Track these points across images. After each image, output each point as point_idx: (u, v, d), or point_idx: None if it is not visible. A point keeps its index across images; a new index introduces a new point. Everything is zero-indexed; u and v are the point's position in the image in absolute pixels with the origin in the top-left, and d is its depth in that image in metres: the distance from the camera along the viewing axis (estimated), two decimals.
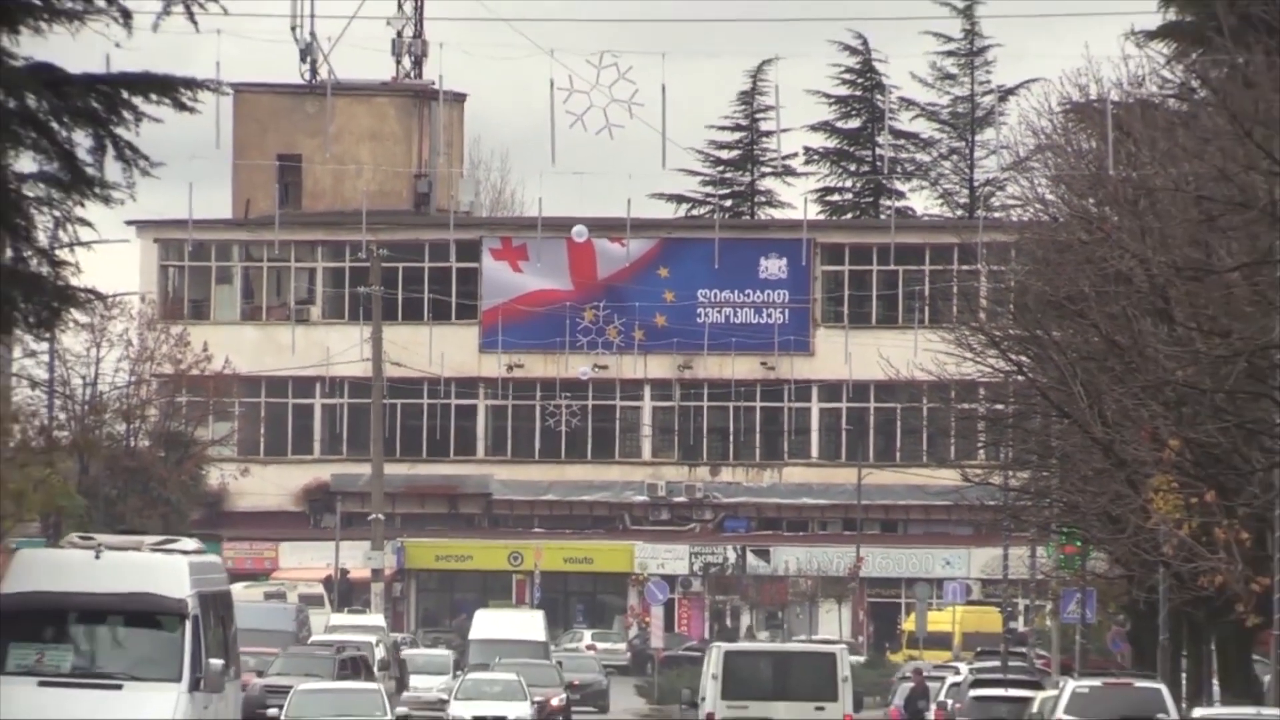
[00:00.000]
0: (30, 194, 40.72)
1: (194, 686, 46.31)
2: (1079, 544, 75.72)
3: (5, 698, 42.35)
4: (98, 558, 47.73)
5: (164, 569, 48.31)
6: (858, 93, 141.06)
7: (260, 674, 76.46)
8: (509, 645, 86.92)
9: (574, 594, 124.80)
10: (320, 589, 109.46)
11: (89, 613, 47.22)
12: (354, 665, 77.53)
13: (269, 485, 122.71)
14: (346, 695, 72.85)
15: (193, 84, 41.00)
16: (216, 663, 48.16)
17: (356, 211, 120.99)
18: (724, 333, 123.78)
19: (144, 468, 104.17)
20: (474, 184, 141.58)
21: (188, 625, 46.95)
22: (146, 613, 47.00)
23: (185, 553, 49.24)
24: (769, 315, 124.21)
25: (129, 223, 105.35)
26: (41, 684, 44.39)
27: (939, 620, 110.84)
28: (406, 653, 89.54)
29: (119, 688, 45.25)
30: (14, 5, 39.00)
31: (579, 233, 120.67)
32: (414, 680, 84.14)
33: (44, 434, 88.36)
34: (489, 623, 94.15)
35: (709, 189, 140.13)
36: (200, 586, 48.08)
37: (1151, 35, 70.76)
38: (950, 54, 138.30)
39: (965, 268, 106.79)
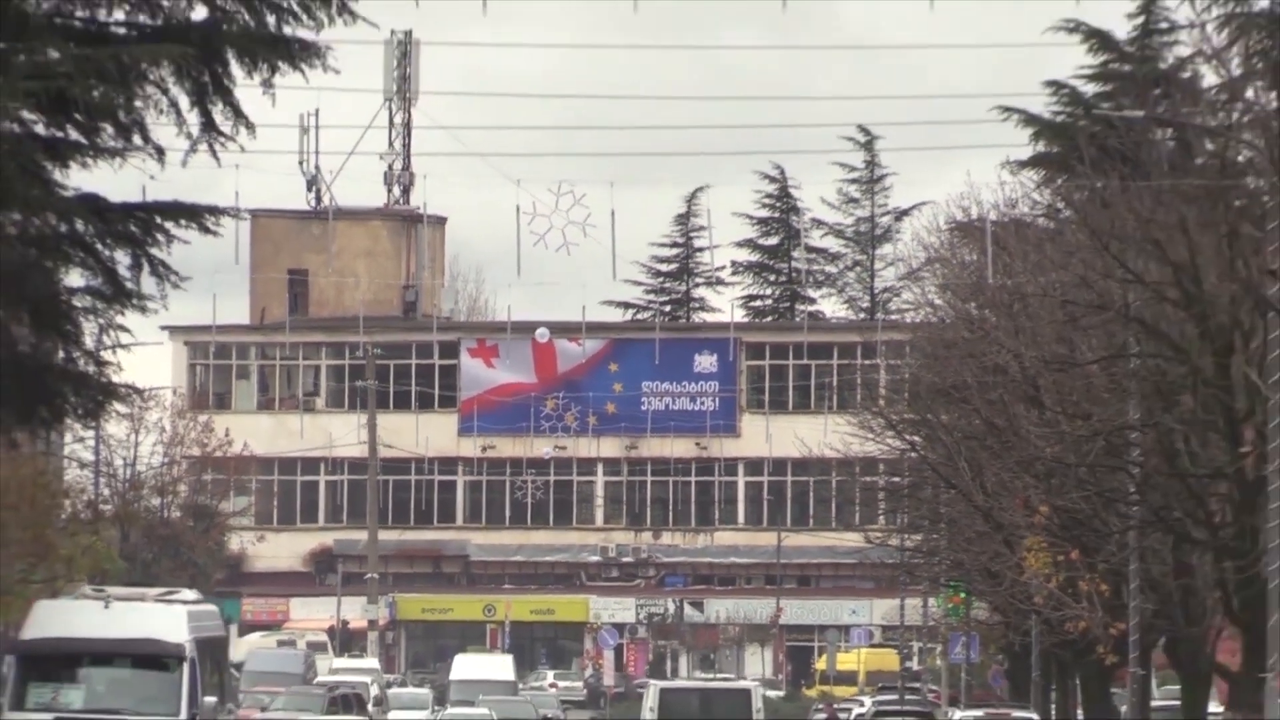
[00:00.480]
0: (78, 304, 40.84)
1: None
2: (964, 595, 75.45)
3: None
4: (106, 607, 47.23)
5: (165, 617, 47.63)
6: (776, 215, 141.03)
7: (264, 709, 75.81)
8: (484, 684, 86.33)
9: (538, 640, 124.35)
10: (325, 637, 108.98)
11: (98, 656, 46.51)
12: (344, 702, 76.29)
13: (281, 549, 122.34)
14: None
15: (215, 211, 41.61)
16: (210, 700, 47.26)
17: (354, 317, 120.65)
18: (664, 418, 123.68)
19: (175, 535, 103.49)
20: (453, 293, 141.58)
21: (185, 667, 46.10)
22: (149, 655, 46.25)
23: (185, 603, 48.59)
24: (702, 403, 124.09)
25: (162, 328, 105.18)
26: (56, 719, 44.01)
27: (846, 660, 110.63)
28: (392, 691, 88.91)
29: None
30: (65, 144, 39.24)
31: (541, 334, 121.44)
32: (398, 714, 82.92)
33: (90, 507, 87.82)
34: (467, 665, 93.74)
35: (651, 296, 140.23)
36: (197, 633, 47.21)
37: (1024, 164, 70.76)
38: (854, 181, 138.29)
39: (867, 362, 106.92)
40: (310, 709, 75.61)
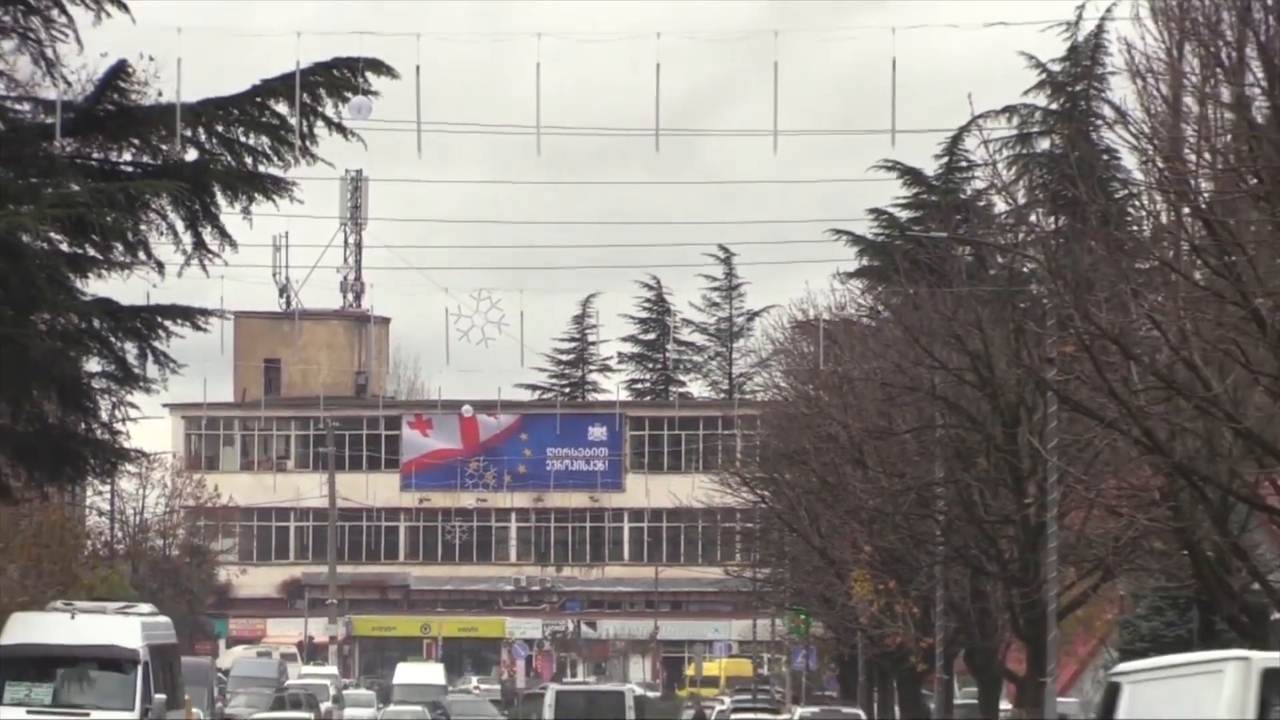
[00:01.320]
0: (96, 386, 40.91)
1: (143, 716, 43.52)
2: (804, 616, 74.29)
3: None
4: (73, 619, 44.86)
5: (122, 627, 45.21)
6: (654, 315, 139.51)
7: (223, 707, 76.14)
8: (420, 688, 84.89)
9: (465, 651, 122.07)
10: (295, 650, 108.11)
11: (64, 659, 44.00)
12: (293, 700, 75.13)
13: (260, 580, 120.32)
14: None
15: (205, 312, 41.77)
16: (160, 697, 44.90)
17: (317, 397, 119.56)
18: (565, 476, 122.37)
19: (175, 569, 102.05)
20: (396, 378, 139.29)
21: (139, 669, 43.68)
22: (108, 659, 43.88)
23: (140, 615, 46.23)
24: (595, 464, 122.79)
25: (164, 405, 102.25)
26: (29, 713, 41.87)
27: (711, 668, 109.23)
28: (347, 692, 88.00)
29: (87, 716, 42.67)
30: (84, 259, 39.17)
31: (466, 410, 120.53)
32: (351, 711, 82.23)
33: (107, 546, 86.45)
34: (407, 672, 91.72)
35: (554, 380, 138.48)
36: (150, 640, 44.97)
37: (851, 275, 69.93)
38: (716, 289, 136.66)
39: (726, 432, 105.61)
40: (259, 706, 74.91)
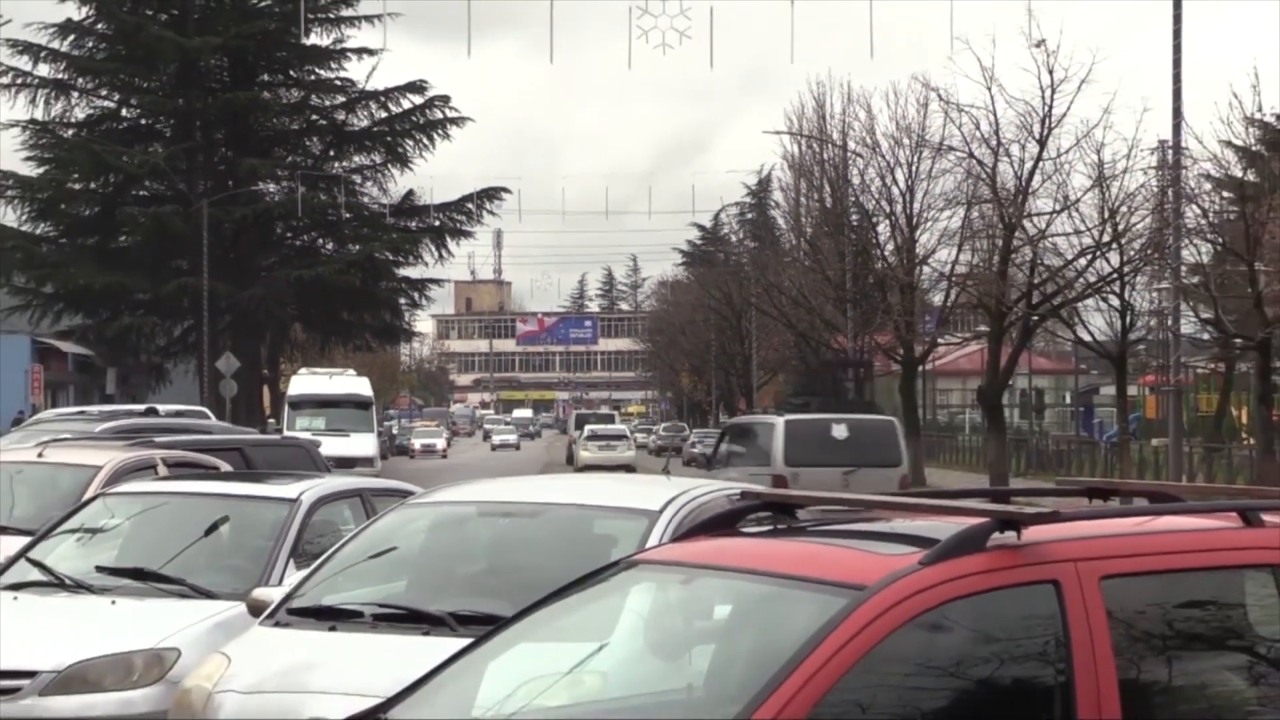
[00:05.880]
0: (398, 314, 77.65)
1: (376, 436, 51.43)
2: None
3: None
4: (330, 379, 53.23)
5: (360, 383, 53.53)
6: None
7: None
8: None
9: None
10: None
11: (329, 402, 50.93)
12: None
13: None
14: None
15: (439, 281, 79.85)
16: (382, 426, 57.04)
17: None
18: None
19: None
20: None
21: (371, 408, 52.15)
22: (355, 402, 51.15)
23: (362, 378, 54.92)
24: None
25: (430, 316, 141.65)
26: (313, 435, 39.99)
27: None
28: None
29: (346, 434, 47.08)
30: (394, 263, 73.22)
31: None
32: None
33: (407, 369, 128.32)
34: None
35: None
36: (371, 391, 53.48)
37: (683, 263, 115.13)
38: None
39: None
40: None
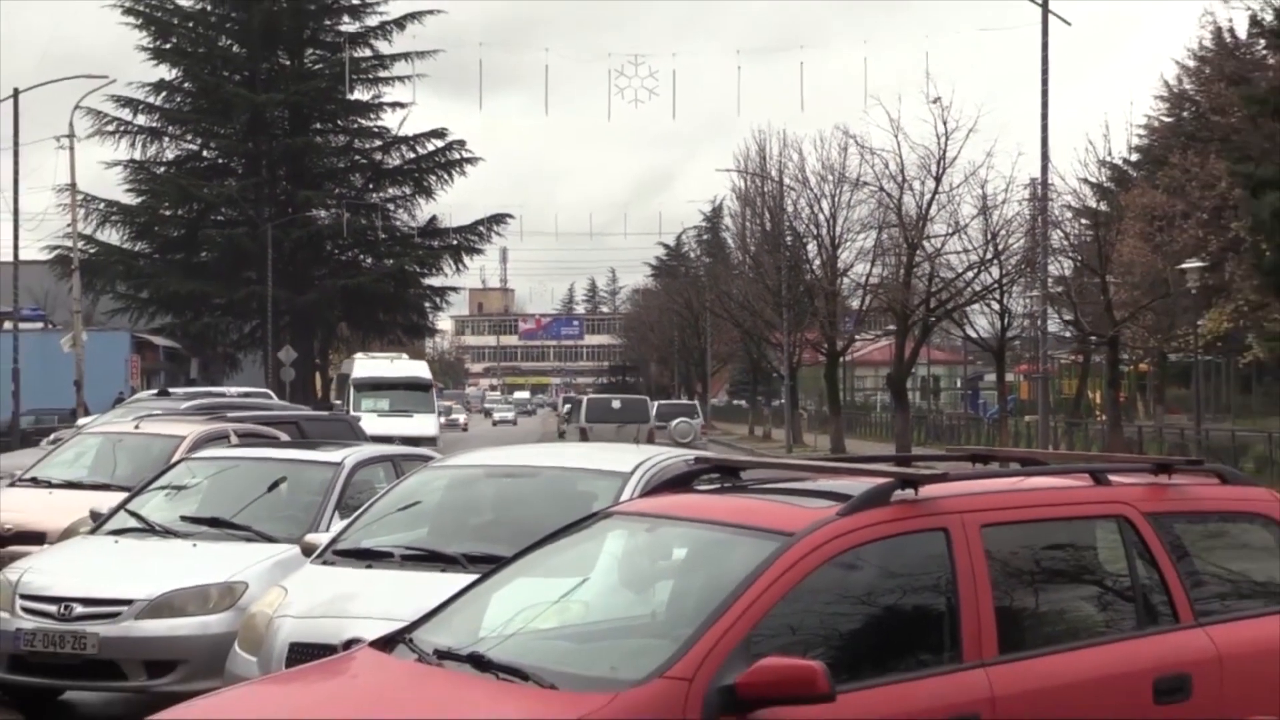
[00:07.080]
0: (423, 315, 78.03)
1: (436, 416, 46.54)
2: None
3: (364, 420, 32.83)
4: (392, 362, 48.73)
5: (420, 367, 49.32)
6: None
7: None
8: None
9: None
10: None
11: (392, 385, 45.90)
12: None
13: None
14: None
15: (455, 289, 76.61)
16: (440, 405, 53.22)
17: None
18: None
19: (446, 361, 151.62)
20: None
21: (432, 390, 47.46)
22: (416, 385, 46.34)
23: (425, 362, 54.35)
24: None
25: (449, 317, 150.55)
26: (379, 415, 41.26)
27: None
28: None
29: (409, 415, 43.68)
30: (420, 274, 75.21)
31: None
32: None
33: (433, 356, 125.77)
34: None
35: None
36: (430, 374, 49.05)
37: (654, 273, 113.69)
38: None
39: None
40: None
